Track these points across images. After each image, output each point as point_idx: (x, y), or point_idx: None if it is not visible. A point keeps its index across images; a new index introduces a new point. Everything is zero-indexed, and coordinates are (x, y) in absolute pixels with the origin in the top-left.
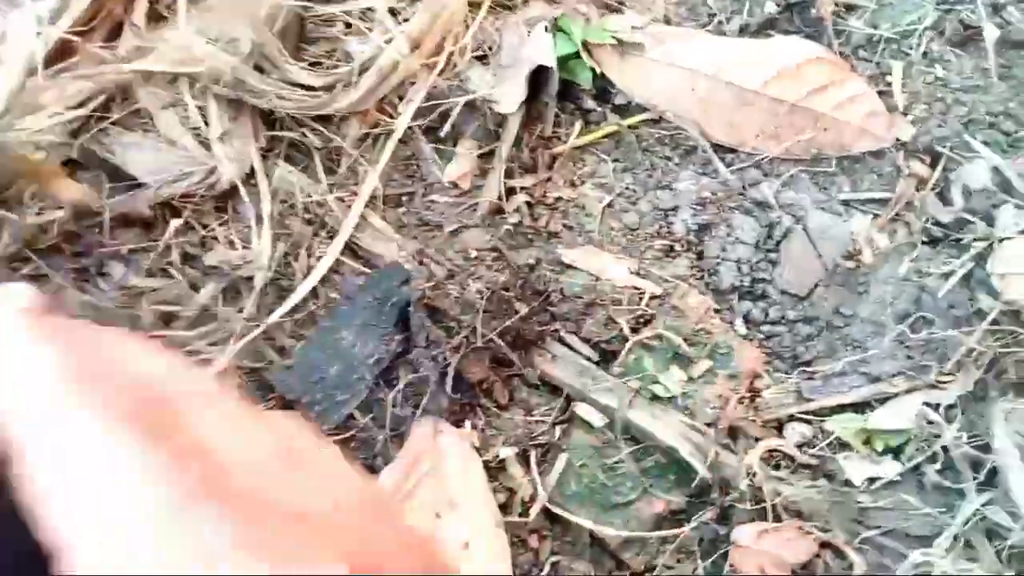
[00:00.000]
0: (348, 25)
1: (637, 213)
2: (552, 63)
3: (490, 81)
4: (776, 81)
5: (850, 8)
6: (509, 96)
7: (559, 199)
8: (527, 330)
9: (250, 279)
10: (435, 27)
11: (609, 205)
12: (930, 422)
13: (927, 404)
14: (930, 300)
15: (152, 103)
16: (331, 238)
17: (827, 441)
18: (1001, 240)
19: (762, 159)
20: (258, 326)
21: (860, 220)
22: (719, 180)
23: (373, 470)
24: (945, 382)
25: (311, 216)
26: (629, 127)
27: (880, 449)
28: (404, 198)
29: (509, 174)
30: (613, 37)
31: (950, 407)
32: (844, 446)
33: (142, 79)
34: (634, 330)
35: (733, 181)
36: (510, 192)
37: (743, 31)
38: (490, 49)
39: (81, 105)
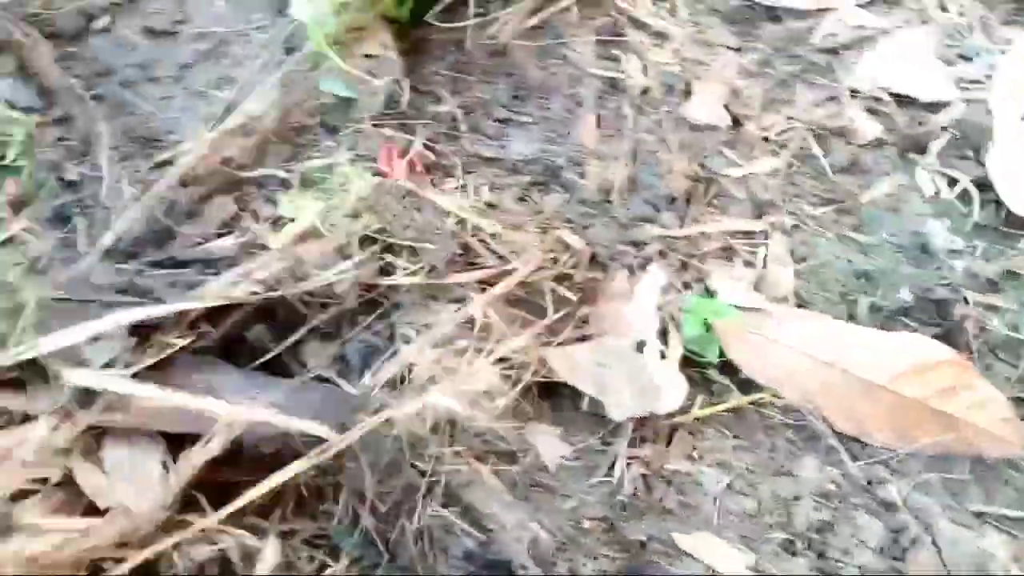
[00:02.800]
0: None
1: (756, 499)
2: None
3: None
4: (902, 378)
5: (991, 308)
6: (621, 408)
7: (676, 473)
8: None
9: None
10: None
11: (728, 486)
12: None
13: None
14: None
15: None
16: (444, 494)
17: None
18: None
19: (891, 457)
20: None
21: (994, 538)
22: (843, 472)
23: None
24: None
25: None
26: (751, 404)
27: None
28: (520, 454)
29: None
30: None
31: None
32: None
33: None
34: None
35: (858, 476)
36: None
37: (873, 311)
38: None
39: None
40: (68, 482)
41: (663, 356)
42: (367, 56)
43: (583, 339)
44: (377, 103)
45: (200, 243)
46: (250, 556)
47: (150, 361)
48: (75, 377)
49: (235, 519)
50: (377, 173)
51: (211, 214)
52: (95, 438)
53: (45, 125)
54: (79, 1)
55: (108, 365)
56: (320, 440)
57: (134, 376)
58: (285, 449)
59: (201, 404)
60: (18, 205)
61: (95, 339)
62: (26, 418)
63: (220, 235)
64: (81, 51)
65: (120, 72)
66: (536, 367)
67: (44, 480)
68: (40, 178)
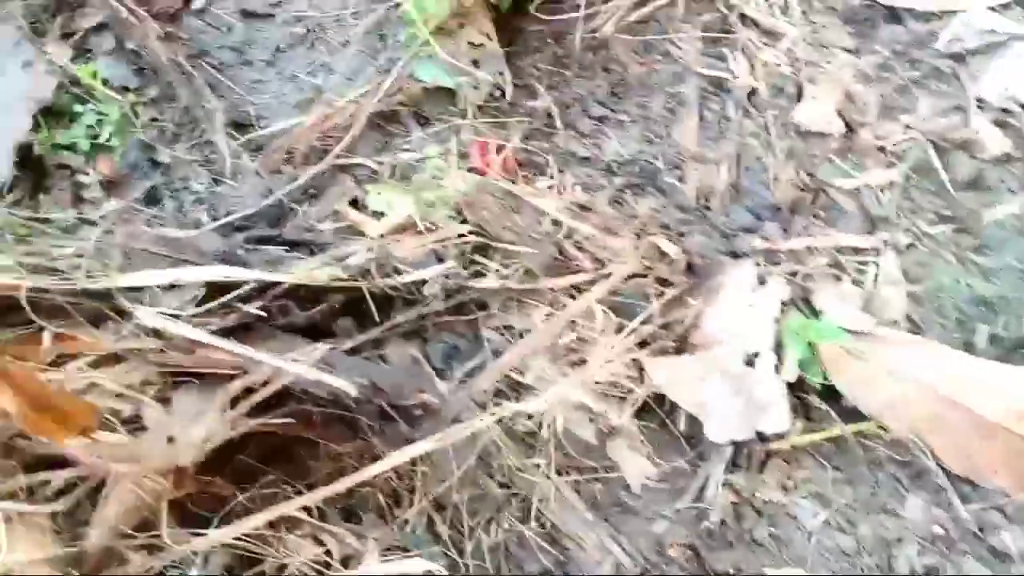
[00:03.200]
0: None
1: (856, 538)
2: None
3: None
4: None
5: None
6: (722, 429)
7: (769, 503)
8: None
9: None
10: None
11: (825, 522)
12: None
13: None
14: None
15: None
16: (521, 508)
17: None
18: None
19: (1006, 502)
20: None
21: None
22: (952, 515)
23: None
24: None
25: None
26: (855, 434)
27: None
28: (602, 471)
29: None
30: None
31: None
32: None
33: None
34: None
35: (969, 520)
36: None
37: (994, 343)
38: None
39: None
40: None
41: (777, 371)
42: (471, 45)
43: (681, 349)
44: (481, 95)
45: (311, 228)
46: (349, 558)
47: (229, 323)
48: (144, 315)
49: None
50: (471, 169)
51: (326, 200)
52: (172, 384)
53: (140, 104)
54: None
55: (179, 313)
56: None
57: (211, 332)
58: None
59: (250, 353)
60: (111, 185)
61: (171, 287)
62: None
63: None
64: (177, 31)
65: (215, 54)
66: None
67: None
68: (133, 158)
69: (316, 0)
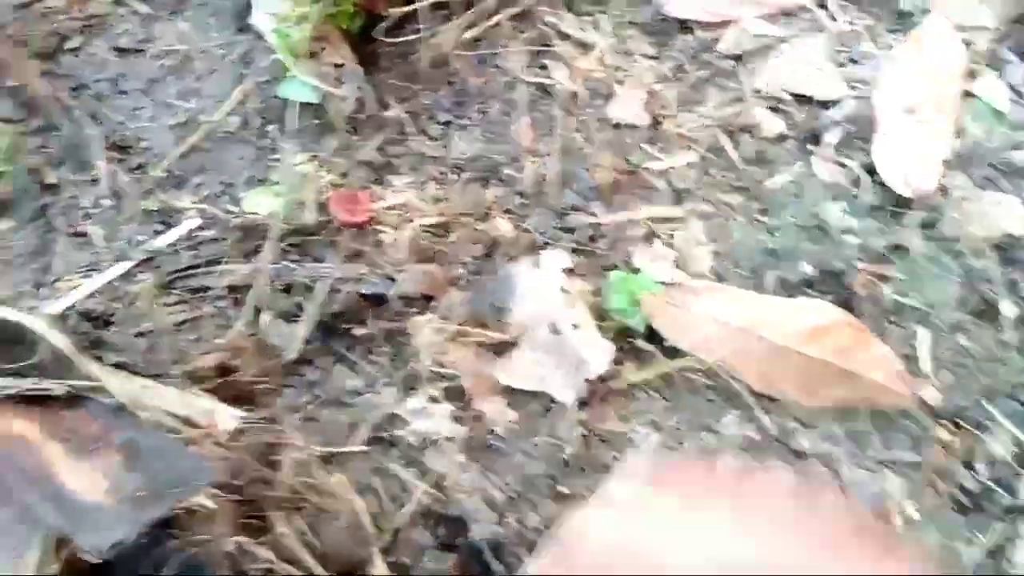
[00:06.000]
0: None
1: (682, 453)
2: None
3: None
4: (805, 339)
5: (882, 278)
6: (566, 391)
7: (611, 432)
8: None
9: None
10: None
11: (658, 443)
12: None
13: None
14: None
15: None
16: (403, 456)
17: None
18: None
19: (799, 411)
20: None
21: (892, 481)
22: (759, 426)
23: None
24: None
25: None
26: (677, 369)
27: None
28: (471, 420)
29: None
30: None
31: None
32: None
33: None
34: None
35: (772, 429)
36: None
37: (780, 284)
38: None
39: None
40: None
41: (575, 327)
42: (334, 66)
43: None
44: (347, 108)
45: None
46: None
47: None
48: None
49: None
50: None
51: None
52: None
53: (26, 134)
54: (53, 23)
55: None
56: None
57: None
58: None
59: None
60: (2, 206)
61: None
62: None
63: None
64: (56, 68)
65: (93, 87)
66: None
67: None
68: (21, 182)
69: (183, 35)
